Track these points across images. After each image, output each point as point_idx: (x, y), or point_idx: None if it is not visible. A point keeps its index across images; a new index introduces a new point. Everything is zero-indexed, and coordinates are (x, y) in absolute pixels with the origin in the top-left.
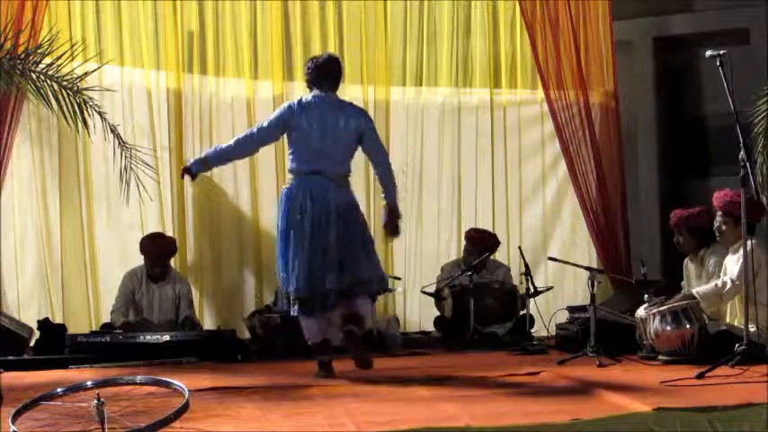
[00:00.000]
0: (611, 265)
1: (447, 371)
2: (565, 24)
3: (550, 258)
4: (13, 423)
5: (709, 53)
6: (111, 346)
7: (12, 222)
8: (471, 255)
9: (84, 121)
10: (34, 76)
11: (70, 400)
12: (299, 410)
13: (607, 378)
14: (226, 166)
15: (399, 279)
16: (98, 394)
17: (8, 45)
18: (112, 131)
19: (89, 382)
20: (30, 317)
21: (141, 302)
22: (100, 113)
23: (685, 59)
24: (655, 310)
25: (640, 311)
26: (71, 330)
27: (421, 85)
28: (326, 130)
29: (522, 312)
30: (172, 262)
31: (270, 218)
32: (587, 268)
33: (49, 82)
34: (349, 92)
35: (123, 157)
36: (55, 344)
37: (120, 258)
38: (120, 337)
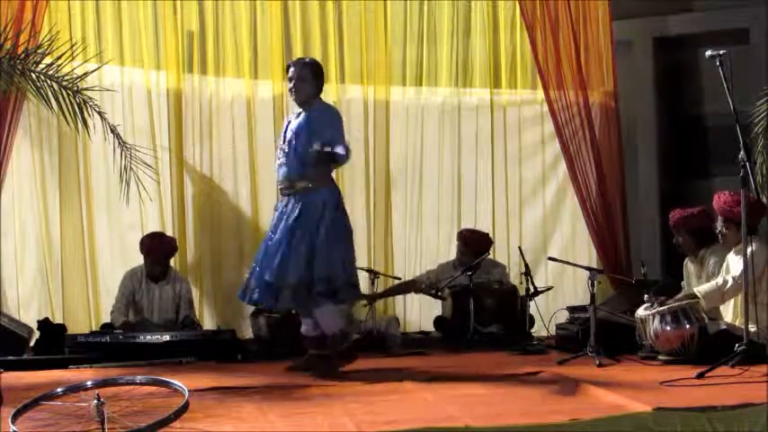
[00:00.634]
0: (611, 265)
1: (447, 371)
2: (565, 24)
3: (550, 258)
4: (13, 423)
5: (709, 53)
6: (111, 346)
7: (12, 222)
8: (465, 255)
9: (84, 121)
10: (34, 76)
11: (70, 400)
12: (299, 410)
13: (607, 378)
14: (226, 166)
15: (399, 279)
16: (98, 394)
17: (8, 45)
18: (112, 131)
19: (89, 382)
20: (30, 317)
21: (141, 302)
22: (100, 113)
23: (685, 59)
24: (655, 311)
25: (640, 311)
26: (71, 330)
27: (421, 85)
28: None
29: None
30: (172, 262)
31: (270, 218)
32: (587, 268)
33: (49, 82)
34: (349, 92)
35: (123, 157)
36: (55, 344)
37: (120, 258)
38: (120, 337)
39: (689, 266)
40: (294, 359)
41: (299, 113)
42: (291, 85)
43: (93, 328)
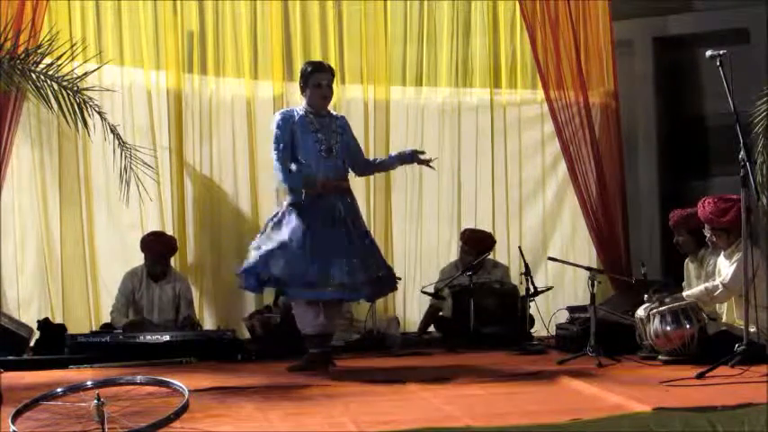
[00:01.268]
0: (611, 265)
1: (447, 371)
2: (565, 24)
3: (550, 258)
4: (13, 423)
5: (709, 53)
6: (111, 346)
7: (12, 222)
8: (468, 255)
9: (84, 121)
10: (34, 76)
11: (70, 400)
12: (299, 410)
13: (607, 378)
14: (226, 166)
15: (399, 279)
16: (98, 394)
17: (8, 45)
18: (112, 131)
19: (89, 382)
20: (30, 317)
21: (141, 302)
22: (100, 113)
23: (685, 59)
24: (655, 311)
25: (640, 311)
26: (71, 330)
27: (421, 85)
28: None
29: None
30: (172, 262)
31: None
32: (587, 268)
33: (48, 82)
34: (349, 92)
35: (123, 157)
36: (55, 344)
37: (120, 258)
38: (120, 337)
39: (689, 267)
40: (293, 359)
41: (323, 116)
42: (329, 91)
43: (93, 328)
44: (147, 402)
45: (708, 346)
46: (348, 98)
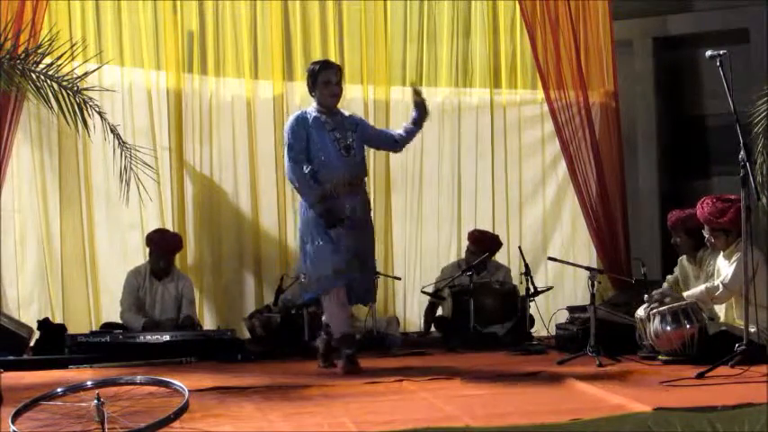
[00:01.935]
0: (611, 265)
1: (447, 371)
2: (565, 24)
3: (550, 258)
4: (13, 423)
5: (709, 53)
6: (111, 346)
7: (12, 222)
8: (474, 255)
9: (84, 121)
10: (34, 76)
11: (70, 400)
12: (299, 410)
13: (607, 378)
14: (226, 166)
15: (399, 279)
16: (98, 394)
17: (8, 45)
18: (112, 131)
19: (89, 382)
20: (30, 317)
21: (144, 300)
22: (100, 113)
23: (685, 59)
24: (655, 311)
25: (640, 311)
26: (71, 330)
27: (421, 85)
28: None
29: (522, 312)
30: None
31: (270, 218)
32: (587, 268)
33: (48, 82)
34: (349, 92)
35: (123, 157)
36: (55, 344)
37: (120, 258)
38: (120, 337)
39: (686, 266)
40: (293, 359)
41: (335, 114)
42: (338, 89)
43: (93, 328)
44: (147, 402)
45: (708, 346)
46: (348, 98)
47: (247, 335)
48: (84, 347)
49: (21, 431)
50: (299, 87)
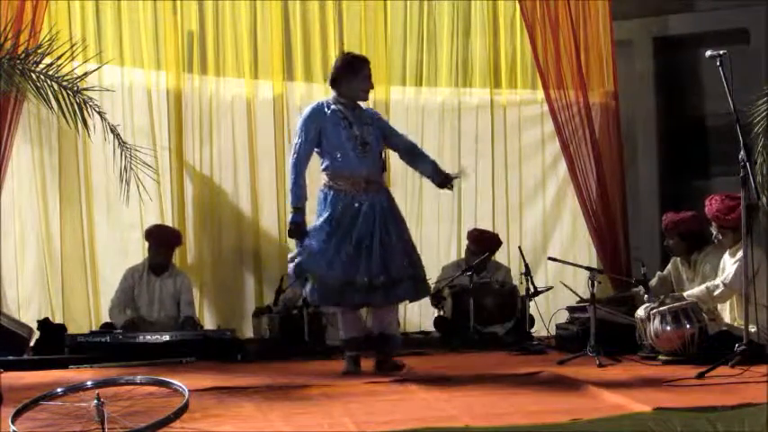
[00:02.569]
0: (611, 265)
1: (447, 371)
2: (565, 24)
3: (550, 258)
4: (13, 423)
5: (709, 53)
6: (111, 346)
7: (12, 222)
8: (474, 255)
9: (84, 121)
10: (34, 76)
11: (70, 400)
12: (299, 410)
13: (607, 378)
14: (226, 166)
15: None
16: (98, 394)
17: (8, 45)
18: (112, 131)
19: (89, 382)
20: (30, 317)
21: (142, 296)
22: (100, 113)
23: (685, 59)
24: (655, 311)
25: (640, 311)
26: (71, 330)
27: (421, 85)
28: None
29: (522, 312)
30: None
31: (270, 218)
32: (587, 268)
33: (49, 82)
34: None
35: (123, 157)
36: (55, 344)
37: (120, 258)
38: (120, 337)
39: (680, 268)
40: (294, 359)
41: (354, 108)
42: (371, 84)
43: (93, 328)
44: (147, 402)
45: (708, 346)
46: None
47: (247, 335)
48: (84, 347)
49: (21, 431)
50: (299, 87)
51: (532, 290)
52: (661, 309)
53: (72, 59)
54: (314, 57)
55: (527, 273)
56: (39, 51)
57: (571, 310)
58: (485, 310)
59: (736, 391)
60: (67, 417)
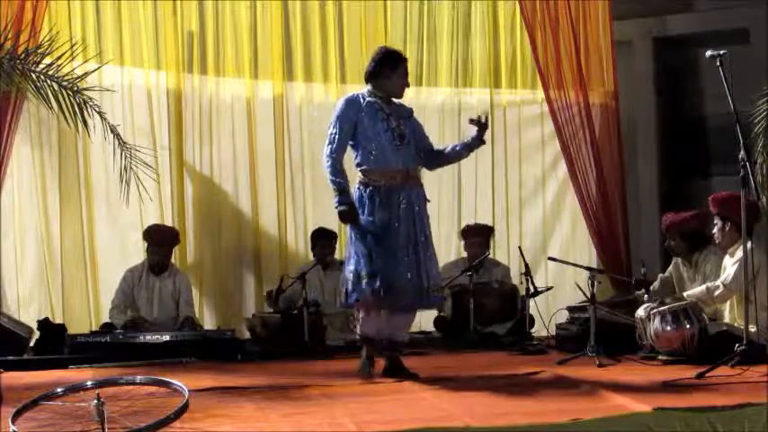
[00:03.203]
0: (611, 265)
1: (447, 371)
2: (565, 24)
3: (550, 258)
4: (13, 423)
5: (709, 53)
6: (111, 346)
7: (12, 222)
8: (473, 247)
9: (85, 121)
10: (34, 76)
11: (70, 400)
12: (299, 410)
13: (607, 378)
14: (226, 166)
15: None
16: (98, 394)
17: (8, 45)
18: (112, 131)
19: (89, 382)
20: (30, 317)
21: (140, 297)
22: (100, 113)
23: (685, 59)
24: (655, 311)
25: (640, 311)
26: (71, 330)
27: (421, 85)
28: None
29: (522, 312)
30: (172, 260)
31: (270, 218)
32: (587, 268)
33: (48, 82)
34: (349, 91)
35: (123, 157)
36: (55, 344)
37: (120, 258)
38: (120, 337)
39: (680, 268)
40: (294, 359)
41: (389, 103)
42: (407, 80)
43: (93, 328)
44: (147, 402)
45: (708, 346)
46: None
47: (247, 335)
48: (84, 347)
49: (21, 431)
50: (299, 87)
51: (532, 290)
52: (661, 309)
53: (72, 59)
54: (314, 57)
55: (527, 273)
56: (39, 51)
57: (571, 310)
58: (485, 309)
59: (736, 391)
60: (67, 417)
